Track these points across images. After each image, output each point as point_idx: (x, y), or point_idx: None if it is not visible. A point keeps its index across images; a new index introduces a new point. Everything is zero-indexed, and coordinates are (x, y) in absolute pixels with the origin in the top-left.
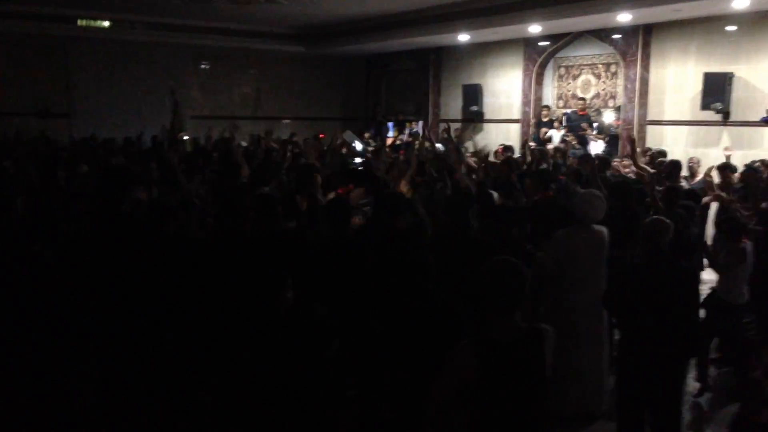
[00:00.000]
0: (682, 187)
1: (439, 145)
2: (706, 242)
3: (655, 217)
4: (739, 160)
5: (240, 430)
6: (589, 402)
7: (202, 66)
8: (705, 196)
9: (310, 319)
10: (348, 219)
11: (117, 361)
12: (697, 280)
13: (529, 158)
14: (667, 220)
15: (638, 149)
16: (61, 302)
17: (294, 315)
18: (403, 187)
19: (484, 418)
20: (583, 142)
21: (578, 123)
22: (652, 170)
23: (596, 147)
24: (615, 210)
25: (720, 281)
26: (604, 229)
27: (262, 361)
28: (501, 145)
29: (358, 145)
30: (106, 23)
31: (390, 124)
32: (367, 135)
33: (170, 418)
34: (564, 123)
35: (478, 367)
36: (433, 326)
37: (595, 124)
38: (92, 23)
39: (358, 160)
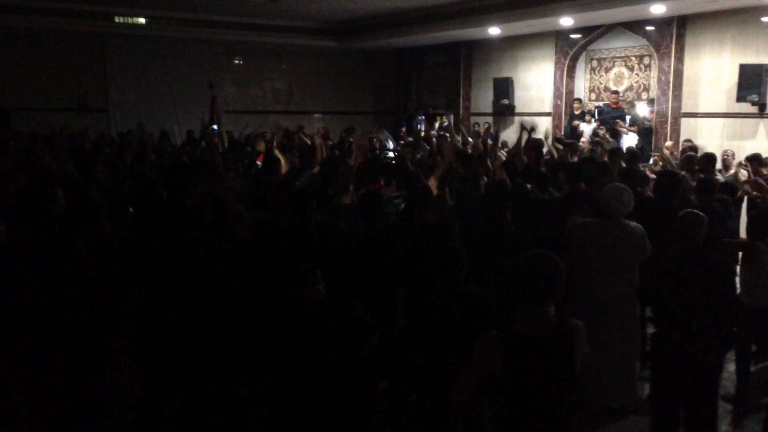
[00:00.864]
0: (716, 179)
1: (470, 139)
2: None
3: (689, 210)
4: None
5: (273, 422)
6: (620, 396)
7: (235, 61)
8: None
9: (343, 313)
10: (381, 213)
11: (154, 355)
12: (732, 273)
13: (555, 153)
14: (701, 213)
15: (671, 142)
16: (97, 294)
17: (326, 309)
18: (432, 183)
19: (509, 410)
20: (616, 135)
21: (611, 116)
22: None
23: (629, 140)
24: (659, 200)
25: (739, 283)
26: (638, 226)
27: (292, 354)
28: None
29: (391, 144)
30: (142, 20)
31: (421, 117)
32: (404, 130)
33: (205, 409)
34: (596, 116)
35: (504, 359)
36: (462, 318)
37: (628, 117)
38: (129, 20)
39: (390, 154)
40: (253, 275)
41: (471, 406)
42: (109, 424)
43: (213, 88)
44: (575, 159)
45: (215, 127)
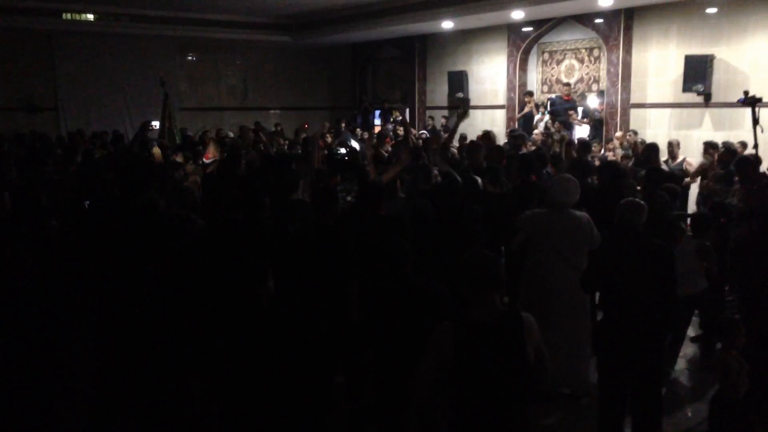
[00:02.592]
0: (663, 169)
1: (423, 132)
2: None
3: (629, 198)
4: (721, 142)
5: (231, 421)
6: (572, 382)
7: (189, 57)
8: (685, 177)
9: (292, 307)
10: (335, 207)
11: (105, 354)
12: (671, 259)
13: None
14: (641, 201)
15: (621, 132)
16: (46, 297)
17: (276, 304)
18: (386, 178)
19: (465, 398)
20: (568, 127)
21: (563, 108)
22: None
23: (581, 132)
24: (604, 190)
25: None
26: (584, 214)
27: (248, 351)
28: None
29: (354, 144)
30: (91, 16)
31: (377, 112)
32: (344, 124)
33: (161, 409)
34: (548, 108)
35: (456, 346)
36: (409, 310)
37: (580, 109)
38: (77, 16)
39: (342, 150)
40: (205, 272)
41: (427, 397)
42: (61, 422)
43: (165, 85)
44: (524, 151)
45: (155, 123)
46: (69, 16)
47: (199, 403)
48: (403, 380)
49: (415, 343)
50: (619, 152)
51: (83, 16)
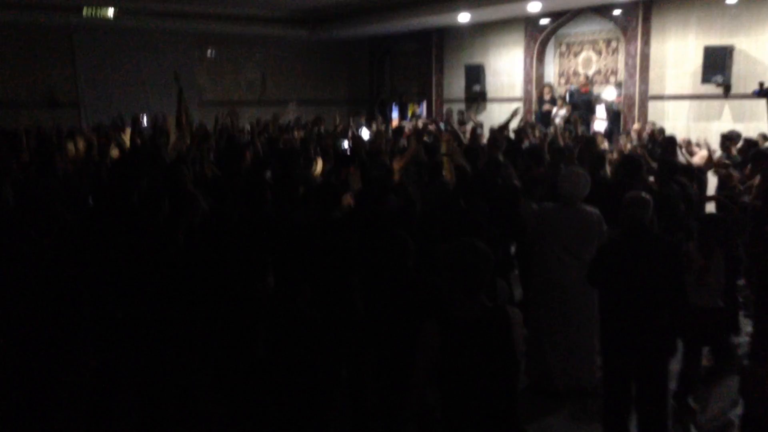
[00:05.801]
0: (677, 162)
1: (442, 125)
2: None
3: (633, 192)
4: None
5: (233, 419)
6: (581, 378)
7: (208, 52)
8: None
9: (290, 309)
10: (337, 202)
11: (112, 346)
12: (678, 254)
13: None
14: (646, 195)
15: (638, 124)
16: (55, 289)
17: (277, 299)
18: (397, 167)
19: (454, 397)
20: (586, 121)
21: (581, 100)
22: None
23: (599, 125)
24: (622, 184)
25: None
26: (594, 210)
27: (249, 346)
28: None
29: (365, 133)
30: (110, 12)
31: (394, 105)
32: (363, 118)
33: (164, 407)
34: (567, 101)
35: (443, 345)
36: (409, 305)
37: (599, 106)
38: (97, 11)
39: (345, 143)
40: (207, 266)
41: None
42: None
43: (179, 80)
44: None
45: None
46: (89, 11)
47: (204, 397)
48: (403, 375)
49: (412, 340)
50: (635, 144)
51: (102, 12)
